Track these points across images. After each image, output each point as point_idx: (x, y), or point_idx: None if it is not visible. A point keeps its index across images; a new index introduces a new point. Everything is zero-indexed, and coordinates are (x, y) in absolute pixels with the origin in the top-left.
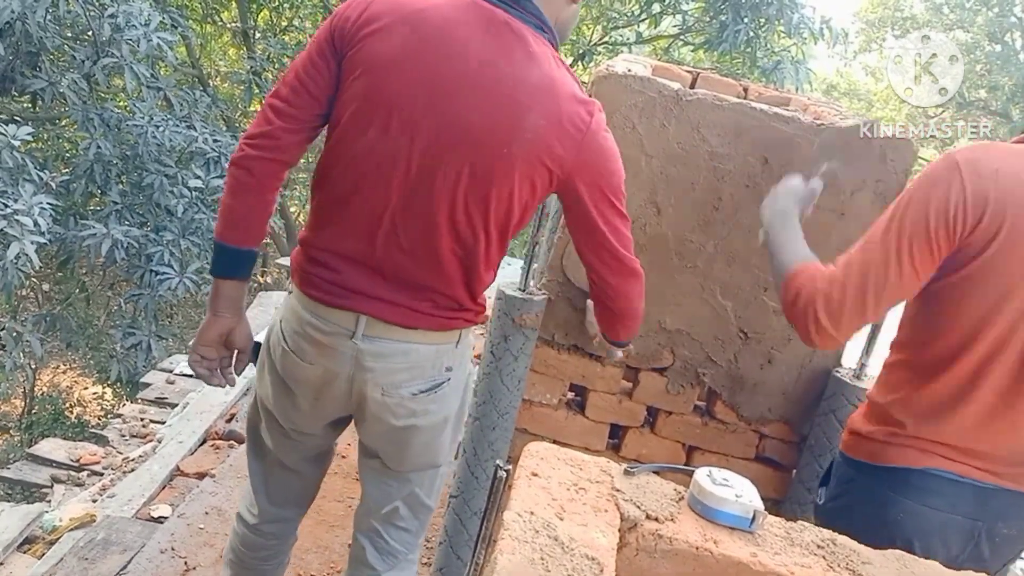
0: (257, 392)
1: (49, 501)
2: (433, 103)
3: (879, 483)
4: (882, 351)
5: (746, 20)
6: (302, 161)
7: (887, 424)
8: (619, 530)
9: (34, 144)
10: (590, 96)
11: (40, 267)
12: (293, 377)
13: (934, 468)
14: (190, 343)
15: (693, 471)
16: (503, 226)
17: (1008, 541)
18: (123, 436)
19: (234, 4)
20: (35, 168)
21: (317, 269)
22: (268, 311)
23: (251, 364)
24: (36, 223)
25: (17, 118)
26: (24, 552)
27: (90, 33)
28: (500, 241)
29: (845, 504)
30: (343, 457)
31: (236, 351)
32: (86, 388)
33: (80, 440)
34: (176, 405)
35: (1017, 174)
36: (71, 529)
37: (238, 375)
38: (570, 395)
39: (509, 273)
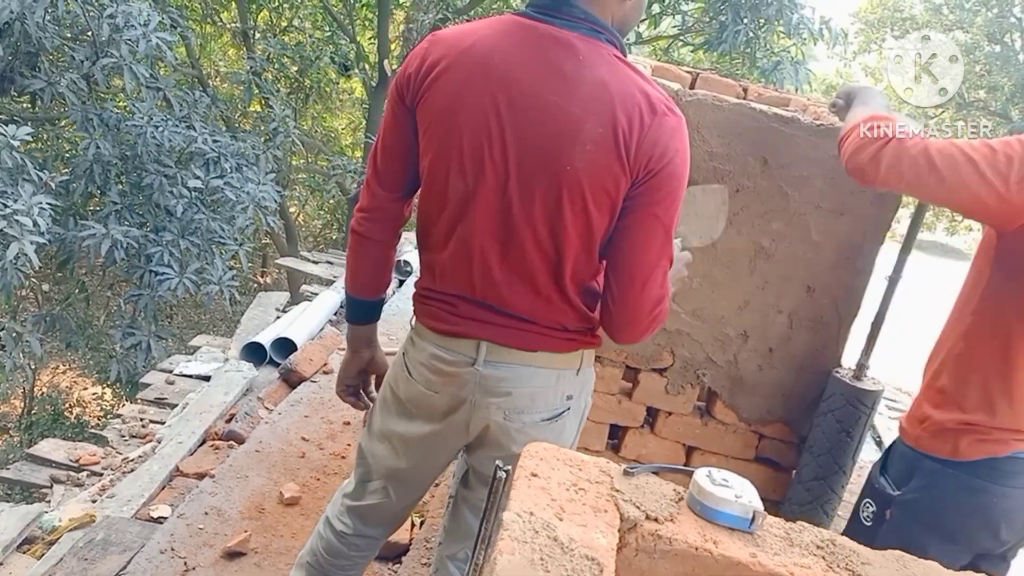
0: (376, 424)
1: (48, 501)
2: (494, 138)
3: (968, 474)
4: (886, 349)
5: (746, 20)
6: (301, 162)
7: (966, 415)
8: (619, 530)
9: (33, 144)
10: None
11: (39, 267)
12: (420, 406)
13: (1020, 452)
14: (336, 379)
15: (692, 471)
16: (587, 242)
17: None
18: (122, 436)
19: (234, 4)
20: (34, 168)
21: (436, 304)
22: (268, 311)
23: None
24: (35, 223)
25: (16, 118)
26: (23, 552)
27: (89, 33)
28: (588, 258)
29: (934, 496)
30: (342, 458)
31: (375, 375)
32: (85, 388)
33: (79, 440)
34: (175, 405)
35: None
36: (70, 529)
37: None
38: None
39: None
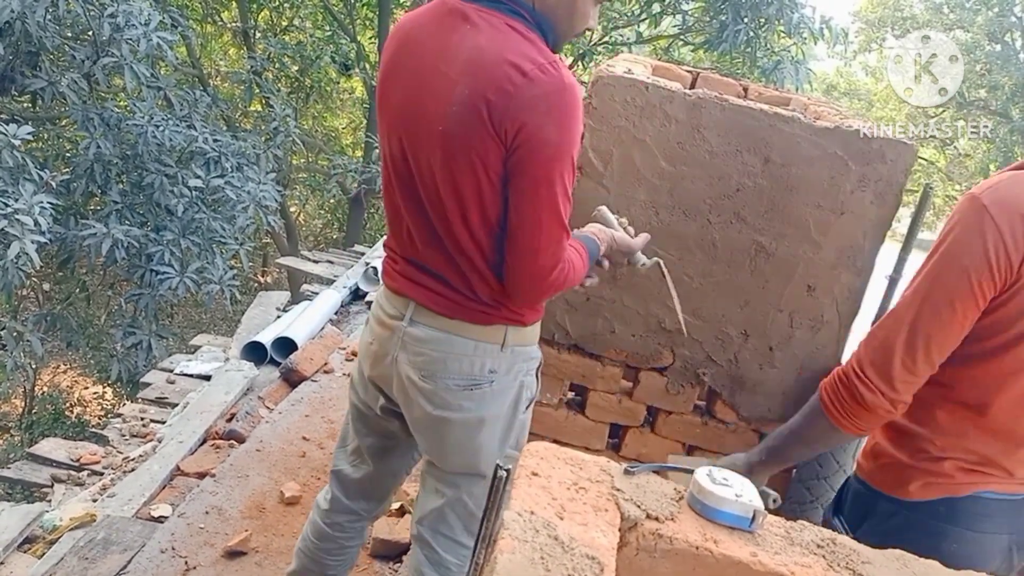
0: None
1: (49, 501)
2: (403, 106)
3: (926, 516)
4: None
5: (746, 20)
6: (301, 161)
7: (924, 455)
8: (619, 529)
9: (34, 143)
10: (589, 95)
11: (40, 266)
12: (363, 355)
13: (982, 491)
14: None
15: (693, 470)
16: (476, 206)
17: None
18: (123, 436)
19: (234, 4)
20: (35, 167)
21: (387, 260)
22: (268, 310)
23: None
24: (36, 222)
25: (17, 117)
26: (24, 552)
27: (90, 33)
28: (482, 223)
29: (889, 540)
30: None
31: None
32: (86, 388)
33: (80, 440)
34: (176, 405)
35: None
36: (71, 529)
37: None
38: (570, 394)
39: None
